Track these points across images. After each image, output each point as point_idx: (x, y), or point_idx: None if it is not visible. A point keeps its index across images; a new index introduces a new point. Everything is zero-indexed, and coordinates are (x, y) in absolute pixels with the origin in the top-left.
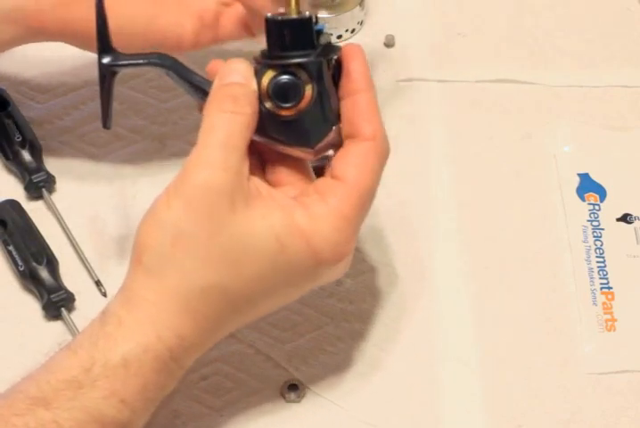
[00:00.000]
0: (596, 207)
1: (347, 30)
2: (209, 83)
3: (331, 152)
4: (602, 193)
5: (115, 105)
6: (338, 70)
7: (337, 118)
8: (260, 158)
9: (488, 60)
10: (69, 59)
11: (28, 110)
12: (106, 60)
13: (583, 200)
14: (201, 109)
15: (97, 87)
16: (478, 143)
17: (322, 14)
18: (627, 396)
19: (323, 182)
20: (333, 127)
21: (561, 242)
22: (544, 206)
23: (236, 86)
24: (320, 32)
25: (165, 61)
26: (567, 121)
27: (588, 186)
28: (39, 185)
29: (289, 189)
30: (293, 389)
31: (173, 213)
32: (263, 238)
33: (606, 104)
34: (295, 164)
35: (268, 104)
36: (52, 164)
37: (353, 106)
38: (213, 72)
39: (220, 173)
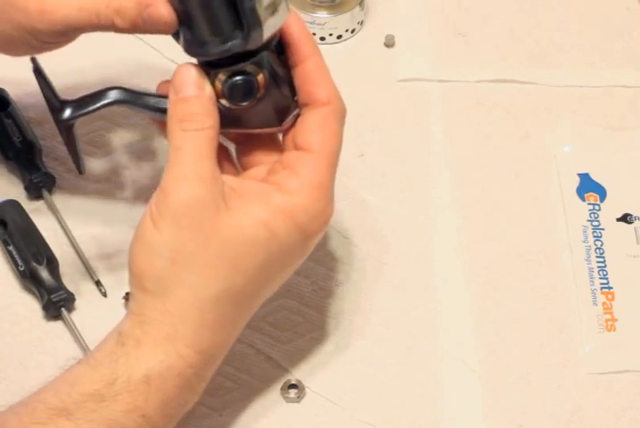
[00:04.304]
0: (596, 207)
1: (347, 30)
2: (157, 98)
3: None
4: (602, 193)
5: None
6: (280, 41)
7: (294, 89)
8: (224, 144)
9: (488, 60)
10: (69, 59)
11: (28, 110)
12: (66, 115)
13: (583, 200)
14: (162, 132)
15: (98, 88)
16: (478, 143)
17: (322, 14)
18: (627, 396)
19: (289, 156)
20: (295, 99)
21: (561, 242)
22: (544, 206)
23: (192, 102)
24: None
25: (116, 96)
26: (567, 121)
27: (588, 186)
28: (39, 185)
29: (261, 169)
30: (293, 389)
31: (163, 234)
32: (253, 230)
33: (606, 104)
34: (265, 142)
35: (226, 103)
36: (52, 164)
37: (303, 74)
38: (164, 91)
39: (199, 184)
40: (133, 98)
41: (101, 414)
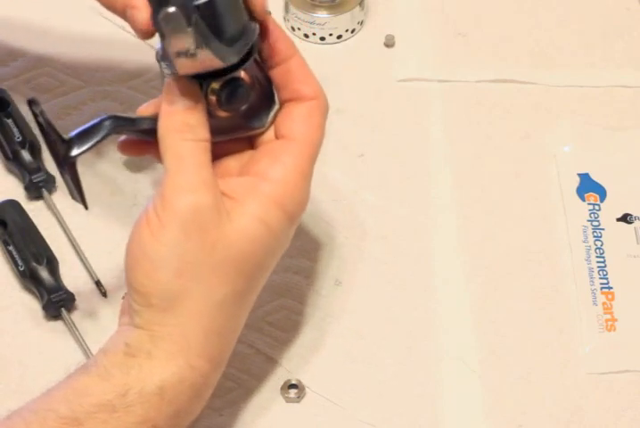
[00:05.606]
0: (596, 207)
1: (347, 30)
2: (149, 120)
3: None
4: (602, 193)
5: (115, 105)
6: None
7: (272, 87)
8: None
9: (488, 60)
10: (68, 59)
11: (28, 110)
12: (73, 152)
13: (583, 200)
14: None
15: (97, 88)
16: (478, 143)
17: (322, 14)
18: (627, 396)
19: (270, 145)
20: (276, 100)
21: (561, 242)
22: (544, 206)
23: (188, 114)
24: None
25: (112, 125)
26: (567, 121)
27: (588, 186)
28: (39, 185)
29: (232, 162)
30: (293, 389)
31: (166, 245)
32: (252, 228)
33: (606, 104)
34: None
35: (217, 110)
36: (52, 164)
37: (287, 73)
38: (145, 113)
39: (204, 191)
40: (126, 124)
41: (112, 425)
